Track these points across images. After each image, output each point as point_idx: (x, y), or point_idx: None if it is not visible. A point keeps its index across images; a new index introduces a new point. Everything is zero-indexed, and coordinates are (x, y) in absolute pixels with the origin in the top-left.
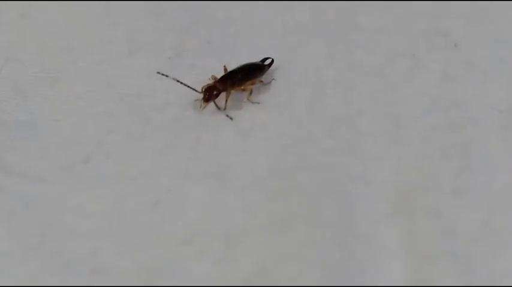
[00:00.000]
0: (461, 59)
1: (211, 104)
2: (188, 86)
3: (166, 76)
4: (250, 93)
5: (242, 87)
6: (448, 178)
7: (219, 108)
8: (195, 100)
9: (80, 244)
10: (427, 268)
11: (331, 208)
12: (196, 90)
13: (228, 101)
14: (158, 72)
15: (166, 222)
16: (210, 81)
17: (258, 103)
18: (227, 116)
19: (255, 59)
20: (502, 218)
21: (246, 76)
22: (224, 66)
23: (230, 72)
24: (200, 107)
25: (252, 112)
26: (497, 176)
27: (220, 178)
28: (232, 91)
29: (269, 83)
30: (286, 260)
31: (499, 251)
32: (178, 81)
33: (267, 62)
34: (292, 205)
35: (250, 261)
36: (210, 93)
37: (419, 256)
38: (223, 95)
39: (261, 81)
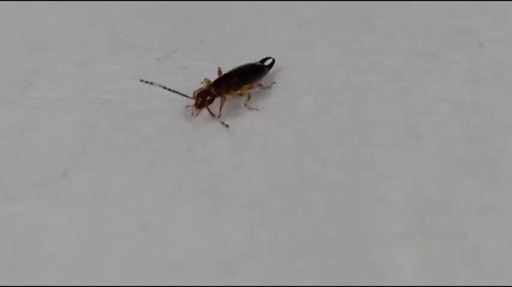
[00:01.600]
0: (487, 60)
1: (205, 111)
2: (178, 92)
3: (151, 83)
4: (248, 98)
5: (239, 92)
6: (473, 195)
7: (213, 115)
8: (186, 107)
9: (55, 271)
10: None
11: (340, 231)
12: (187, 96)
13: (223, 107)
14: (142, 80)
15: (153, 247)
16: (203, 85)
17: (257, 110)
18: (222, 123)
19: (254, 59)
20: None
21: (243, 79)
22: (219, 68)
23: (225, 75)
24: (192, 114)
25: (250, 120)
26: None
27: (214, 197)
28: (228, 96)
29: (269, 87)
30: None
31: None
32: (165, 88)
33: (267, 62)
34: (296, 227)
35: None
36: (203, 98)
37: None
38: (217, 101)
39: (260, 84)
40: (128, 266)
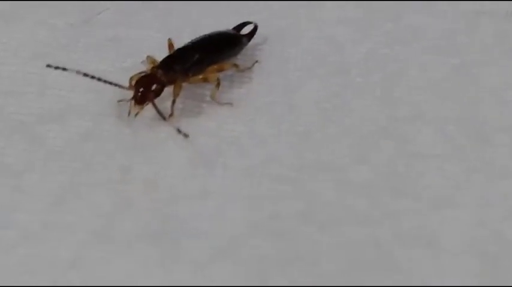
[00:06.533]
0: None
1: (149, 107)
2: (105, 81)
3: (64, 70)
4: (217, 87)
5: (202, 77)
6: None
7: (162, 116)
8: (119, 101)
9: None
10: None
11: None
12: (121, 86)
13: (178, 102)
14: (49, 65)
15: None
16: (146, 68)
17: (231, 105)
18: (178, 131)
19: (224, 25)
20: None
21: (208, 57)
22: (169, 40)
23: (180, 50)
24: (129, 114)
25: (219, 122)
26: None
27: (163, 245)
28: (185, 84)
29: (249, 68)
30: None
31: None
32: (86, 74)
33: (246, 30)
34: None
35: None
36: (146, 89)
37: None
38: (168, 91)
39: (235, 65)
40: None
